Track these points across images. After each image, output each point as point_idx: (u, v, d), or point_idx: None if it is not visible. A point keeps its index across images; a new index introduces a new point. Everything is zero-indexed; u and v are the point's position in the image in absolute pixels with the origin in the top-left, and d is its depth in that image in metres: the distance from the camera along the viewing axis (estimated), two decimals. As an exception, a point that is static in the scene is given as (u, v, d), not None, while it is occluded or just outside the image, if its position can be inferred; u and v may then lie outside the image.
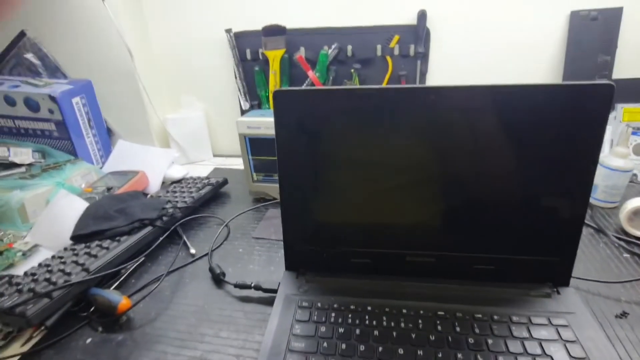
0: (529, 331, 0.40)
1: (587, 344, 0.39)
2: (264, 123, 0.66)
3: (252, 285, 0.50)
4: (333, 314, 0.44)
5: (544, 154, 0.41)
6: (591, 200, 0.67)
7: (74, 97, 0.78)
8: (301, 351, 0.39)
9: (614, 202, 0.64)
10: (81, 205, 0.63)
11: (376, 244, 0.48)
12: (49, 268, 0.51)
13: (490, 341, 0.39)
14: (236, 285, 0.51)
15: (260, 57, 0.89)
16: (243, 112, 0.94)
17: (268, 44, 0.86)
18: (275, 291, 0.48)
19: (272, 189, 0.73)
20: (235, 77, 0.92)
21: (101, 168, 0.85)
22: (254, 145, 0.69)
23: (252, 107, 0.95)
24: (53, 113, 0.77)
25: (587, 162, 0.41)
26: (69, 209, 0.62)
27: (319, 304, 0.45)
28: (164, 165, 0.82)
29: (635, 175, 0.72)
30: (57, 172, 0.72)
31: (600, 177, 0.64)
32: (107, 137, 0.89)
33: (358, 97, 0.43)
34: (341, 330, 0.42)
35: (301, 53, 0.86)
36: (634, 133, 0.71)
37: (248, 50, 0.89)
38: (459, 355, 0.38)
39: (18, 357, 0.43)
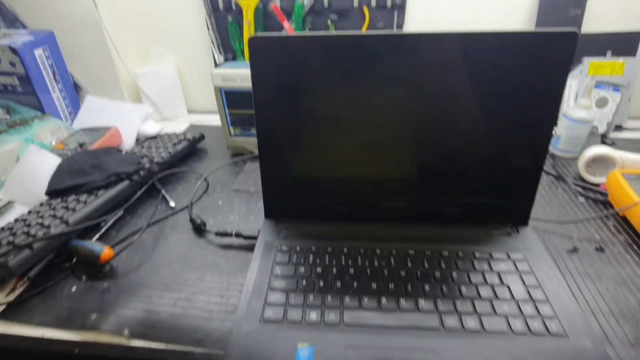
0: (489, 265, 0.44)
1: (540, 274, 0.43)
2: (240, 75, 0.65)
3: (233, 233, 0.52)
4: (311, 256, 0.46)
5: (509, 101, 0.43)
6: (554, 151, 0.71)
7: (36, 48, 0.74)
8: (282, 289, 0.42)
9: (574, 152, 0.68)
10: (53, 161, 0.62)
11: (352, 193, 0.50)
12: (27, 222, 0.51)
13: (454, 274, 0.43)
14: (217, 234, 0.52)
15: (234, 7, 0.85)
16: (217, 65, 0.92)
17: (241, -7, 0.82)
18: (255, 238, 0.50)
19: (250, 143, 0.73)
20: (208, 29, 0.88)
21: (71, 125, 0.82)
22: (230, 98, 0.68)
23: (226, 60, 0.92)
24: (15, 66, 0.73)
25: (549, 109, 0.43)
26: (42, 165, 0.60)
27: (298, 248, 0.47)
28: (137, 121, 0.80)
29: (595, 127, 0.77)
30: (25, 128, 0.69)
31: (563, 128, 0.68)
32: (74, 92, 0.85)
33: (335, 43, 0.42)
34: (319, 270, 0.44)
35: (276, 3, 0.83)
36: (597, 87, 0.75)
37: (220, -1, 0.85)
38: (426, 287, 0.42)
39: (3, 307, 0.44)
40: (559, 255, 0.48)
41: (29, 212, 0.54)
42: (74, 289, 0.46)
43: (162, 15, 0.90)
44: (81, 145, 0.70)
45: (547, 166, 0.67)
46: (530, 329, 0.37)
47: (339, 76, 0.44)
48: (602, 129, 0.76)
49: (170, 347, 0.39)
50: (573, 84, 0.77)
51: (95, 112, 0.83)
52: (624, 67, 0.75)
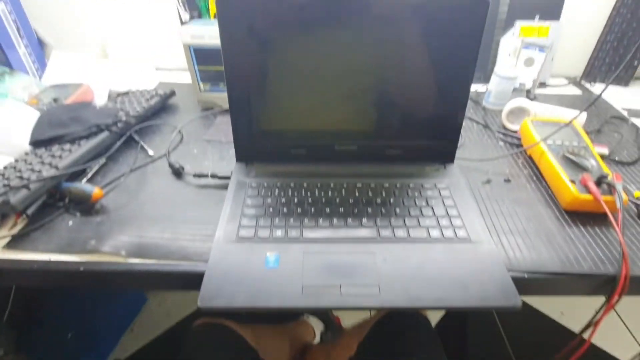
0: (420, 192, 0.56)
1: (457, 198, 0.55)
2: (208, 32, 0.70)
3: (209, 174, 0.60)
4: (277, 190, 0.56)
5: (438, 58, 0.52)
6: (486, 104, 0.82)
7: (-2, 2, 0.74)
8: (253, 215, 0.52)
9: (502, 105, 0.80)
10: (32, 114, 0.66)
11: (310, 138, 0.59)
12: (17, 169, 0.56)
13: (392, 200, 0.54)
14: (195, 175, 0.60)
15: (197, -36, 0.87)
16: (182, 23, 0.94)
17: (204, -50, 0.84)
18: (229, 178, 0.59)
19: (219, 97, 0.79)
20: (172, -14, 0.90)
21: (39, 81, 0.84)
22: (199, 55, 0.74)
23: (192, 18, 0.95)
24: (-23, 21, 0.74)
25: (467, 67, 0.53)
26: (21, 117, 0.64)
27: (265, 184, 0.57)
28: (107, 77, 0.83)
29: (523, 84, 0.88)
30: (-3, 83, 0.72)
31: (493, 84, 0.79)
32: (39, 48, 0.87)
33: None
34: (283, 200, 0.54)
35: (239, -39, 0.86)
36: (525, 47, 0.85)
37: (183, -45, 0.87)
38: (369, 210, 0.53)
39: (9, 239, 0.51)
40: (475, 185, 0.60)
41: (16, 161, 0.59)
42: (70, 223, 0.53)
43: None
44: (55, 101, 0.74)
45: (479, 117, 0.79)
46: (444, 235, 0.49)
47: (299, 31, 0.51)
48: (528, 85, 0.88)
49: (162, 262, 0.48)
50: (506, 44, 0.87)
51: (64, 68, 0.85)
52: (549, 30, 0.86)
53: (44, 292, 0.96)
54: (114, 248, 0.49)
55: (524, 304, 0.42)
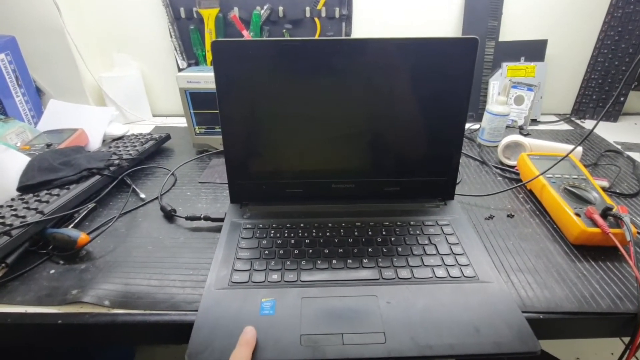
0: (421, 230, 0.53)
1: (460, 235, 0.53)
2: (204, 77, 0.71)
3: (202, 216, 0.57)
4: (272, 231, 0.53)
5: (432, 96, 0.53)
6: (480, 141, 0.82)
7: (-2, 53, 0.76)
8: (247, 258, 0.49)
9: (496, 141, 0.80)
10: (22, 159, 0.64)
11: (306, 177, 0.58)
12: (0, 214, 0.54)
13: (393, 238, 0.52)
14: (187, 218, 0.58)
15: (195, 15, 0.91)
16: (180, 71, 0.97)
17: (202, 3, 0.89)
18: (222, 220, 0.56)
19: (215, 140, 0.79)
20: (171, 36, 0.93)
21: (34, 127, 0.84)
22: (195, 99, 0.74)
23: (189, 66, 0.97)
24: (-25, 71, 0.75)
25: (461, 104, 0.53)
26: (10, 163, 0.63)
27: (260, 225, 0.54)
28: (103, 123, 0.83)
29: (515, 121, 0.90)
30: (-11, 130, 0.71)
31: (486, 122, 0.79)
32: (37, 96, 0.87)
33: (288, 47, 0.50)
34: (279, 241, 0.51)
35: (235, 12, 0.90)
36: (514, 87, 0.88)
37: (182, 8, 0.91)
38: (369, 250, 0.50)
39: (-17, 291, 0.47)
40: (478, 222, 0.58)
41: (1, 206, 0.57)
42: (52, 271, 0.50)
43: (126, 22, 0.94)
44: (48, 146, 0.73)
45: (474, 153, 0.78)
46: (450, 274, 0.46)
47: (293, 76, 0.52)
48: (520, 122, 0.89)
49: (148, 312, 0.44)
50: (495, 85, 0.90)
51: (59, 115, 0.85)
52: (535, 70, 0.89)
53: (22, 352, 0.89)
54: (97, 298, 0.45)
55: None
